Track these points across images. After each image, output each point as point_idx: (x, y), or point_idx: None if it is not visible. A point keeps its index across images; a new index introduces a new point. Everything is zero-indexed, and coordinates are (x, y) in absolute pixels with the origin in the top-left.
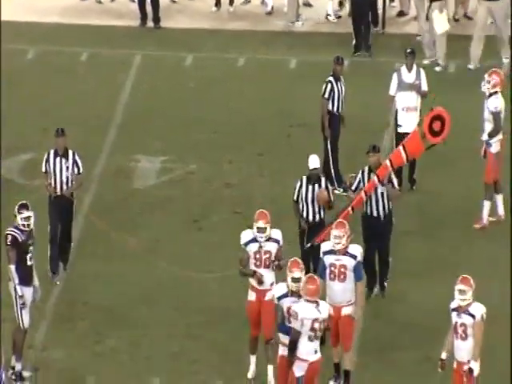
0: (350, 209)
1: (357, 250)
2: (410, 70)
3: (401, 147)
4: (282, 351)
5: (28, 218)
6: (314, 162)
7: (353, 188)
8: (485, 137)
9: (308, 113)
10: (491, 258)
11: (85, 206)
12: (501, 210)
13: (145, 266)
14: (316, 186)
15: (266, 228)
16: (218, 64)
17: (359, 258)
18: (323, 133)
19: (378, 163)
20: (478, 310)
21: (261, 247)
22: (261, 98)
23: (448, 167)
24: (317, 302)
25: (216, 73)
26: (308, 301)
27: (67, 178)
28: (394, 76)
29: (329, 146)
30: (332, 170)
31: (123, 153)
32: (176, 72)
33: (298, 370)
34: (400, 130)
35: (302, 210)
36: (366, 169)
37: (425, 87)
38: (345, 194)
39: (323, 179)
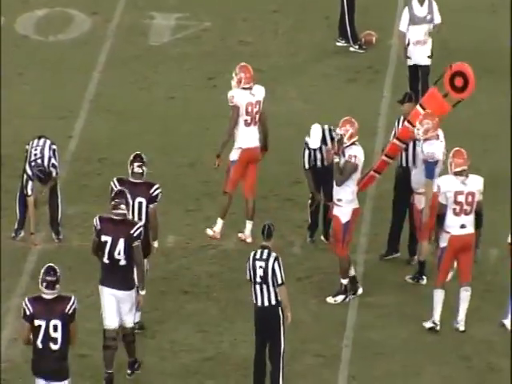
0: (384, 157)
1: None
2: (421, 3)
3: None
4: None
5: None
6: (315, 140)
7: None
8: None
9: None
10: None
11: (100, 63)
12: None
13: (160, 123)
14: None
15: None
16: None
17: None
18: None
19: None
20: None
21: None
22: None
23: None
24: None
25: None
26: (455, 174)
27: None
28: (405, 11)
29: (345, 4)
30: (348, 28)
31: (138, 9)
32: None
33: (441, 241)
34: (410, 62)
35: (310, 156)
36: (402, 118)
37: (438, 20)
38: (360, 51)
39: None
